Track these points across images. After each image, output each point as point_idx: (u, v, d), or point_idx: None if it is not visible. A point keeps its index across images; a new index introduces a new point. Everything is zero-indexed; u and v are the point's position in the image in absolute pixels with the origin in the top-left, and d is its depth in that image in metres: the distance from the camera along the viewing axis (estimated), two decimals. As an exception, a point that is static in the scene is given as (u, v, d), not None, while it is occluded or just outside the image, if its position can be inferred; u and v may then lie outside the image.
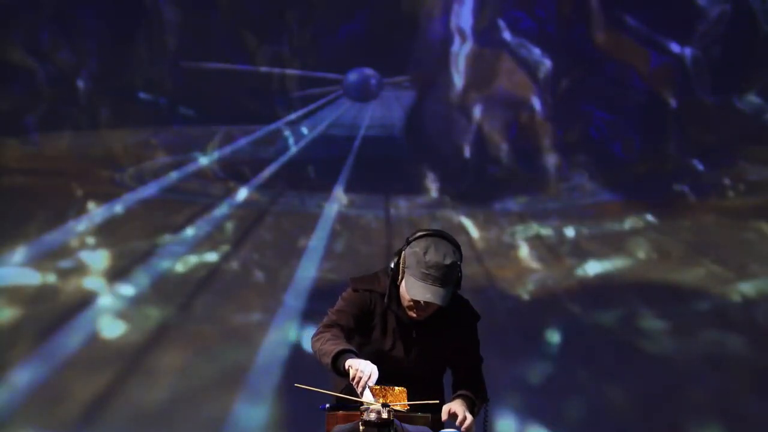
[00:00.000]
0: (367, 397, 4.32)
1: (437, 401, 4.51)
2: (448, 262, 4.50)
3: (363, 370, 4.36)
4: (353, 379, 4.38)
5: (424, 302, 4.52)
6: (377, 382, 4.62)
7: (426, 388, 4.62)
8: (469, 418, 4.54)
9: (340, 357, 4.43)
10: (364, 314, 4.65)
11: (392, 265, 4.61)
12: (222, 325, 7.41)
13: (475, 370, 4.74)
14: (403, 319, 4.66)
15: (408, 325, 4.66)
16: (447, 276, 4.49)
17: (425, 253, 4.51)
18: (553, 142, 7.49)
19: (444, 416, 4.52)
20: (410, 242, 4.59)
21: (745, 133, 7.46)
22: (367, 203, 7.48)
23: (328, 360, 4.45)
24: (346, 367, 4.40)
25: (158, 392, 7.37)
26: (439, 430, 4.52)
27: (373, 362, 4.50)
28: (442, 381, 4.76)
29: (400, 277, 4.60)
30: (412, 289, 4.52)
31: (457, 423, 4.48)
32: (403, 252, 4.60)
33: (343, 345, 4.47)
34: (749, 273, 7.40)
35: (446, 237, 4.59)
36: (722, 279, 7.40)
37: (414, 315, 4.60)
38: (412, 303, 4.57)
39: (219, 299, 7.44)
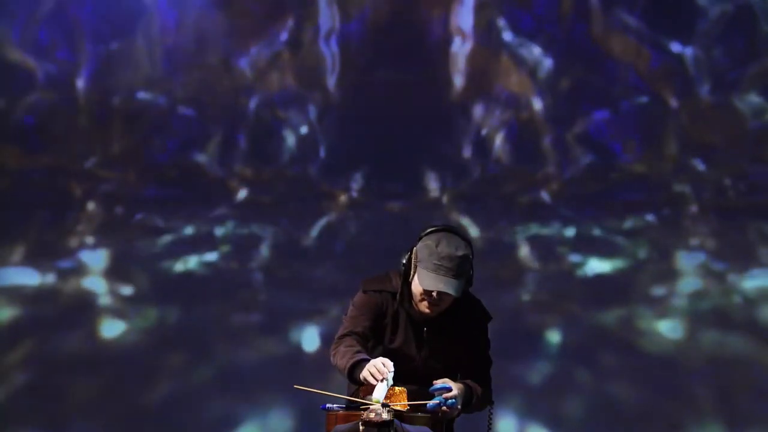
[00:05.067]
0: (380, 389, 4.33)
1: (437, 402, 4.51)
2: (460, 253, 4.54)
3: (377, 370, 4.35)
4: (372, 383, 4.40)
5: (437, 294, 4.53)
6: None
7: None
8: (455, 393, 4.53)
9: (354, 370, 4.47)
10: (376, 316, 4.66)
11: (404, 261, 4.63)
12: (222, 325, 7.41)
13: (481, 371, 4.73)
14: (414, 317, 4.66)
15: (419, 324, 4.67)
16: (459, 267, 4.52)
17: (437, 245, 4.54)
18: (553, 142, 7.48)
19: (438, 382, 4.53)
20: (422, 237, 4.61)
21: (745, 133, 7.45)
22: (367, 203, 7.47)
23: (345, 374, 4.51)
24: (362, 378, 4.42)
25: (158, 392, 7.37)
26: (438, 429, 4.53)
27: None
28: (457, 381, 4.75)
29: (412, 273, 4.61)
30: (425, 281, 4.53)
31: (444, 396, 4.49)
32: (414, 248, 4.62)
33: (353, 357, 4.50)
34: (749, 273, 7.40)
35: (458, 231, 4.64)
36: (722, 279, 7.39)
37: (426, 310, 4.60)
38: (424, 297, 4.57)
39: (219, 299, 7.44)
